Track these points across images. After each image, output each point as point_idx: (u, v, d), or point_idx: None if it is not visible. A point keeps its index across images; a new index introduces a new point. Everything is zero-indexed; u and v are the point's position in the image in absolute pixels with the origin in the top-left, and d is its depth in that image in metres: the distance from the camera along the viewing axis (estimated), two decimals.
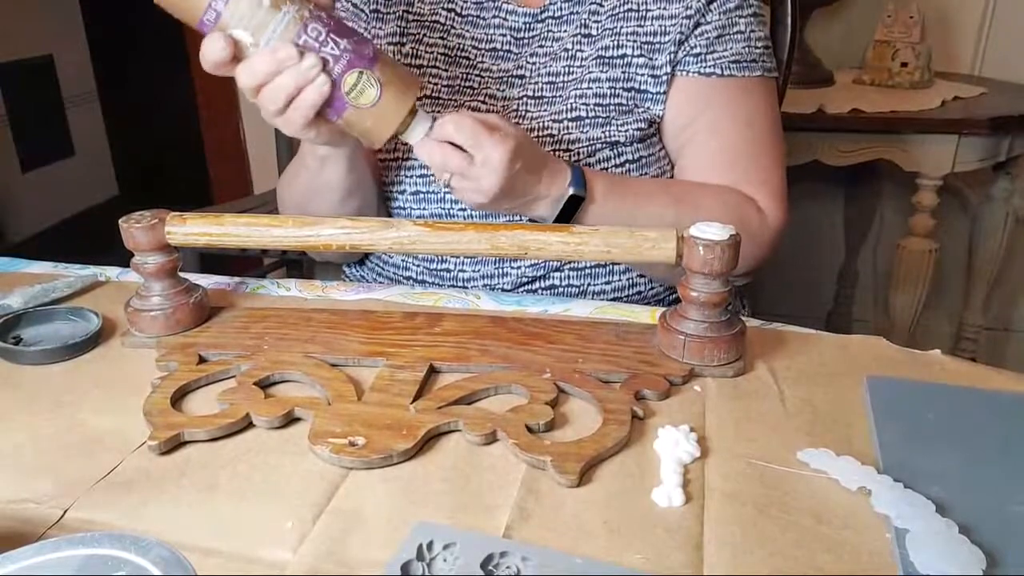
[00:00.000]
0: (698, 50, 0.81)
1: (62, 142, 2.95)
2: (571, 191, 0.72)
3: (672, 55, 0.81)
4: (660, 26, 0.81)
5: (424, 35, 0.86)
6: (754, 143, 0.83)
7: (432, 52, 0.85)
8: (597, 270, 0.83)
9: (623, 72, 0.81)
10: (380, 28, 0.87)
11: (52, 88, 2.87)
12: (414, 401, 0.56)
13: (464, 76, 0.85)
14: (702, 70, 0.81)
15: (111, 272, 0.82)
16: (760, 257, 0.83)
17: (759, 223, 0.81)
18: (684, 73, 0.81)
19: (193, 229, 0.65)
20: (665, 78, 0.81)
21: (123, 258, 0.69)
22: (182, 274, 0.69)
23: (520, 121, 0.82)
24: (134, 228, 0.64)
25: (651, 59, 0.81)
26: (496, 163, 0.66)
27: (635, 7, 0.82)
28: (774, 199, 0.83)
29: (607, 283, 0.84)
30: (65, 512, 0.47)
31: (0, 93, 2.61)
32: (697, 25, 0.80)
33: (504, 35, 0.85)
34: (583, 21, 0.83)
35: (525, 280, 0.83)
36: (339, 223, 0.64)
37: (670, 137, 0.84)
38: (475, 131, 0.66)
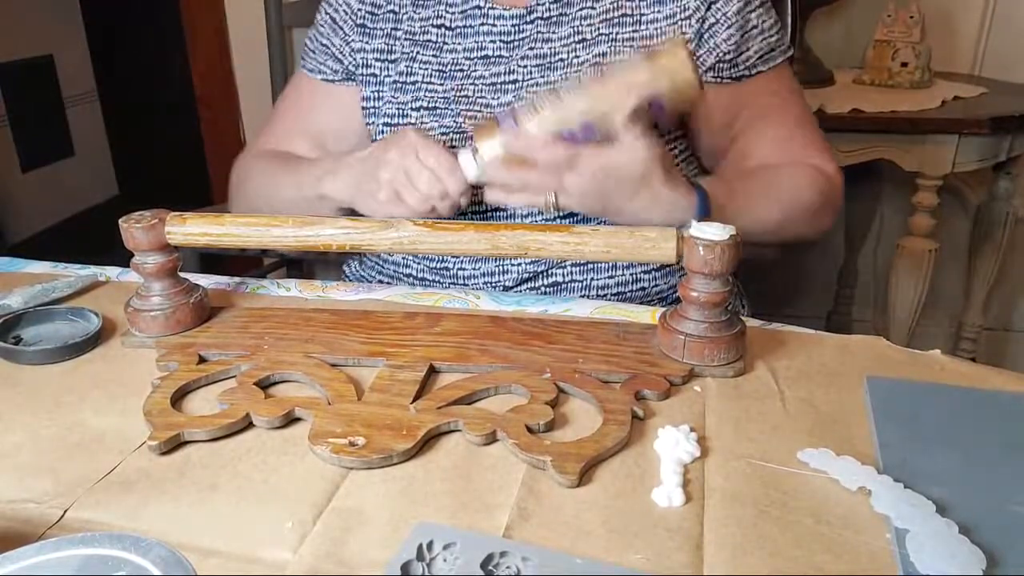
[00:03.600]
0: (729, 56, 0.83)
1: (62, 142, 2.94)
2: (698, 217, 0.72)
3: None
4: (656, 29, 0.82)
5: (417, 53, 0.86)
6: (797, 117, 0.88)
7: (426, 69, 0.86)
8: (600, 264, 0.84)
9: None
10: (366, 43, 0.88)
11: (52, 88, 2.87)
12: (414, 401, 0.56)
13: (459, 87, 0.85)
14: (734, 74, 0.84)
15: (111, 272, 0.82)
16: (835, 217, 0.89)
17: (830, 187, 0.86)
18: (718, 80, 0.84)
19: (193, 229, 0.65)
20: None
21: (123, 258, 0.69)
22: (182, 274, 0.69)
23: None
24: (134, 228, 0.64)
25: None
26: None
27: (629, 12, 0.82)
28: (828, 159, 0.88)
29: (610, 277, 0.84)
30: (65, 512, 0.47)
31: (0, 93, 2.61)
32: (708, 26, 0.81)
33: (494, 41, 0.85)
34: (576, 27, 0.83)
35: (527, 276, 0.83)
36: (339, 223, 0.64)
37: (708, 135, 0.87)
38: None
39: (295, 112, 0.96)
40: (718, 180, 0.80)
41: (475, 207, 0.82)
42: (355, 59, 0.89)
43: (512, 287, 0.84)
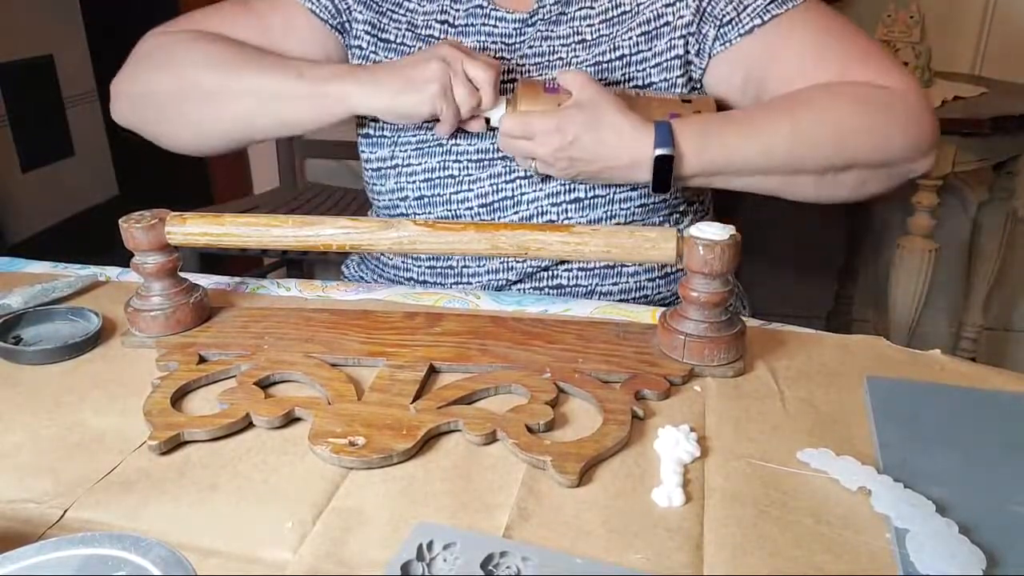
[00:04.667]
0: (729, 16, 0.79)
1: (62, 142, 2.94)
2: (657, 152, 0.72)
3: (672, 40, 0.80)
4: (654, 11, 0.81)
5: (419, 48, 0.86)
6: (837, 39, 0.79)
7: None
8: (605, 270, 0.83)
9: (623, 75, 0.81)
10: (360, 12, 0.87)
11: (52, 88, 2.87)
12: (414, 401, 0.56)
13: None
14: (742, 31, 0.78)
15: (111, 272, 0.82)
16: (916, 131, 0.75)
17: (886, 94, 0.75)
18: (726, 46, 0.79)
19: (193, 229, 0.65)
20: (666, 64, 0.81)
21: (123, 258, 0.69)
22: (182, 274, 0.69)
23: None
24: (134, 228, 0.64)
25: (651, 47, 0.80)
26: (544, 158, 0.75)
27: (627, 7, 0.81)
28: (887, 68, 0.77)
29: (614, 284, 0.84)
30: (65, 512, 0.47)
31: (0, 93, 2.61)
32: (707, 1, 0.79)
33: (496, 42, 0.84)
34: (575, 27, 0.82)
35: (531, 271, 0.83)
36: (339, 223, 0.64)
37: (736, 97, 0.82)
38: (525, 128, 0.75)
39: (258, 18, 0.88)
40: (696, 116, 0.77)
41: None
42: (349, 18, 0.87)
43: (516, 281, 0.84)
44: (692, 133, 0.73)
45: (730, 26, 0.79)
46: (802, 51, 0.78)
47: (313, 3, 0.87)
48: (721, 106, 0.81)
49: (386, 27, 0.86)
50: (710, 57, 0.80)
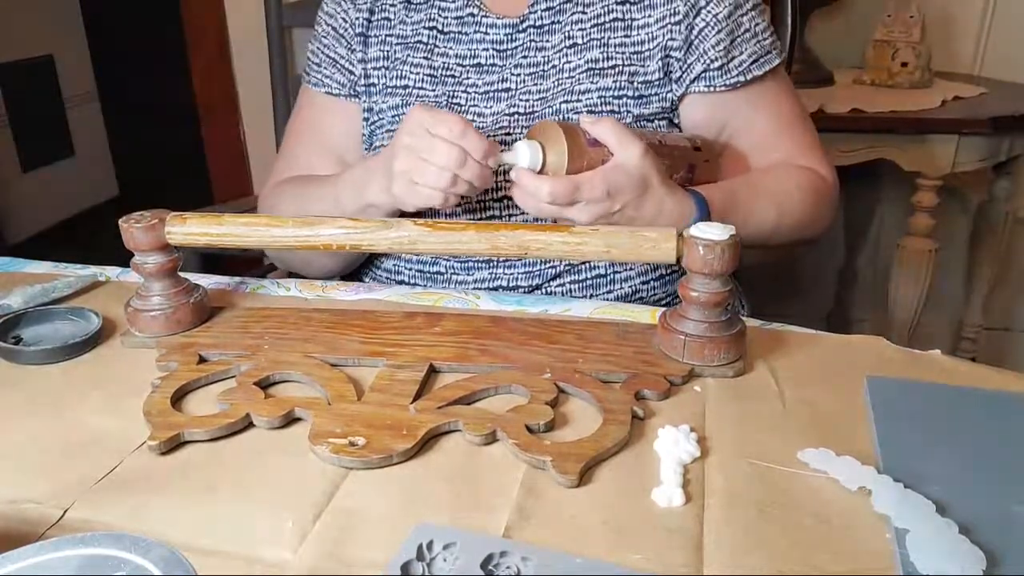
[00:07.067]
0: (719, 62, 0.81)
1: (62, 142, 2.94)
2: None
3: (661, 60, 0.80)
4: (647, 34, 0.81)
5: (408, 56, 0.85)
6: (791, 118, 0.88)
7: (418, 72, 0.85)
8: (599, 280, 0.83)
9: (614, 81, 0.80)
10: (365, 52, 0.88)
11: (52, 88, 2.87)
12: (414, 401, 0.56)
13: (451, 93, 0.84)
14: (727, 81, 0.82)
15: (111, 272, 0.82)
16: (832, 216, 0.90)
17: (825, 187, 0.87)
18: (710, 88, 0.82)
19: (193, 229, 0.65)
20: (657, 82, 0.81)
21: (123, 258, 0.69)
22: (182, 274, 0.69)
23: (509, 135, 0.82)
24: (134, 228, 0.64)
25: (643, 66, 0.81)
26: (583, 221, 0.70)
27: (620, 16, 0.81)
28: (822, 161, 0.88)
29: (609, 292, 0.83)
30: (65, 512, 0.47)
31: (0, 93, 2.61)
32: (697, 32, 0.80)
33: (487, 49, 0.84)
34: (568, 32, 0.82)
35: (522, 291, 0.83)
36: (339, 223, 0.64)
37: (707, 135, 0.86)
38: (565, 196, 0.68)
39: (308, 131, 0.93)
40: (714, 187, 0.79)
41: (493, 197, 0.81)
42: (362, 70, 0.88)
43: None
44: (716, 212, 0.75)
45: (717, 72, 0.82)
46: (768, 123, 0.87)
47: (326, 86, 0.91)
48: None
49: (389, 54, 0.87)
50: (687, 87, 0.83)
